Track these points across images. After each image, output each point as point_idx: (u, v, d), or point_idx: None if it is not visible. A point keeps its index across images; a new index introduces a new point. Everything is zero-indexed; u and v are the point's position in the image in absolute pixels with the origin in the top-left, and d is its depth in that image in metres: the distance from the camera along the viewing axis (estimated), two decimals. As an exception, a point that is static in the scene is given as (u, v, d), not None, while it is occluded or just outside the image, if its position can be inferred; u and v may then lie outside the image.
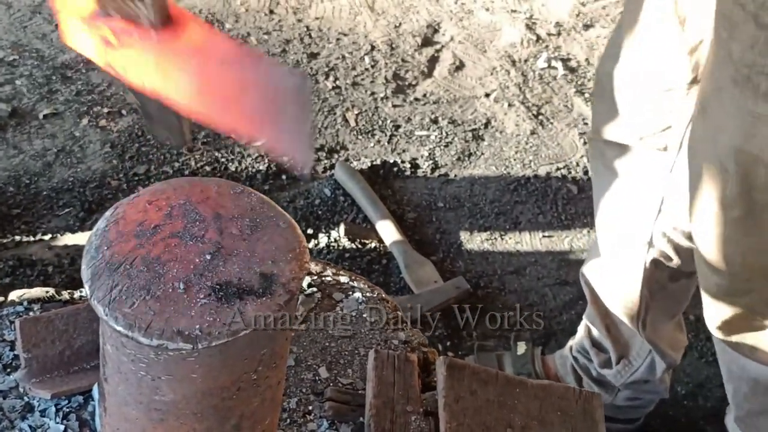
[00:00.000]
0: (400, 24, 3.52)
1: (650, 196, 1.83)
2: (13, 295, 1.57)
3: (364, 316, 1.62)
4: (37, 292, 1.56)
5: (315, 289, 1.63)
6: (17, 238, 2.65)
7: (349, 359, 1.55)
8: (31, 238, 2.65)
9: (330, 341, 1.57)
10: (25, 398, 1.42)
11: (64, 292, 1.56)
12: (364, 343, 1.58)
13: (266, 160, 2.95)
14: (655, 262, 1.94)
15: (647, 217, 1.85)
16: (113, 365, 1.11)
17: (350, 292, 1.65)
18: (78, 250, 2.57)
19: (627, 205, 1.89)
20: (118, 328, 1.02)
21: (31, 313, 1.52)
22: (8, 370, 1.45)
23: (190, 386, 1.08)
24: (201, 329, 1.02)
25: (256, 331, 1.04)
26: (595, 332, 2.23)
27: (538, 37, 3.57)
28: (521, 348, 2.52)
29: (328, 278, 1.67)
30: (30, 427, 1.39)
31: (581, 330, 2.30)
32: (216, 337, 1.02)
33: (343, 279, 1.68)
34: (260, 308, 1.04)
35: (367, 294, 1.66)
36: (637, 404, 2.31)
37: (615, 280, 2.05)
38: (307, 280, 1.64)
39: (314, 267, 1.68)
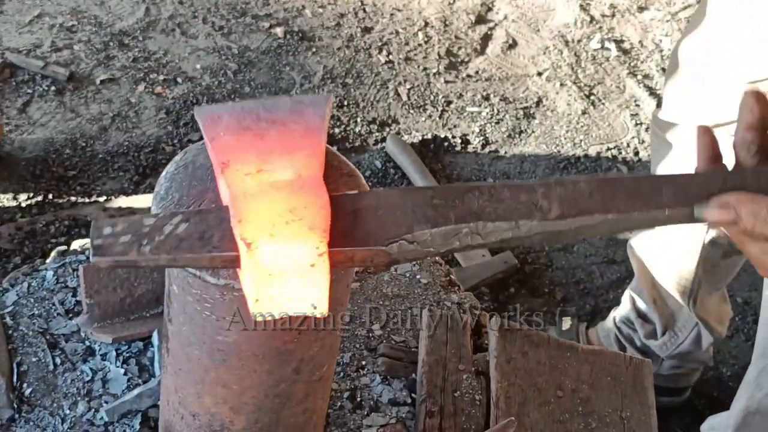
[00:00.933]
0: (454, 1, 3.53)
1: None
2: (76, 245, 1.60)
3: (417, 277, 1.64)
4: (99, 241, 1.59)
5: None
6: (73, 199, 2.70)
7: (402, 318, 1.57)
8: (86, 200, 2.70)
9: (384, 300, 1.59)
10: (86, 342, 1.45)
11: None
12: (417, 303, 1.60)
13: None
14: (712, 242, 1.94)
15: None
16: (178, 306, 1.13)
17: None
18: (132, 212, 2.61)
19: None
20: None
21: (93, 262, 1.55)
22: (70, 315, 1.49)
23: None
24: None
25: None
26: (640, 303, 2.24)
27: (592, 18, 3.56)
28: (566, 323, 2.54)
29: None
30: (91, 369, 1.43)
31: (626, 301, 2.31)
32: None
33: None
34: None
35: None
36: (681, 372, 2.32)
37: (669, 256, 2.06)
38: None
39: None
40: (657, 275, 2.10)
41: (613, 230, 1.04)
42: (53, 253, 1.58)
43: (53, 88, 2.99)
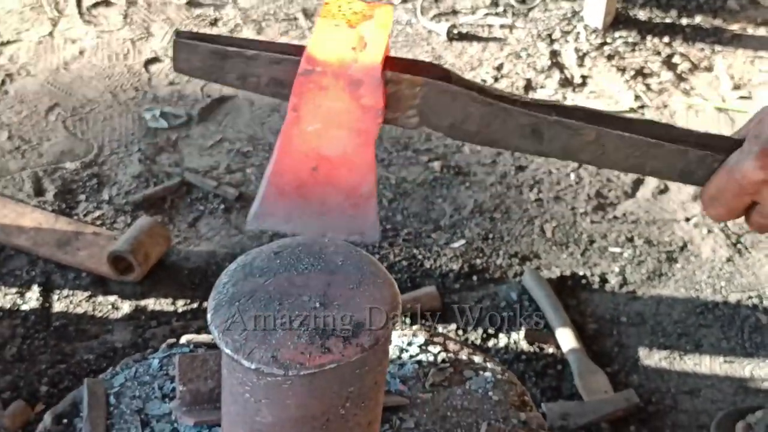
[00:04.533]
0: (610, 145, 3.63)
1: None
2: (184, 339, 1.80)
3: (490, 394, 1.75)
4: (204, 337, 1.79)
5: (448, 364, 1.77)
6: (224, 307, 2.92)
7: (467, 430, 1.67)
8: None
9: (452, 411, 1.70)
10: (174, 424, 1.63)
11: (225, 340, 1.77)
12: (484, 417, 1.70)
13: (460, 261, 3.12)
14: None
15: None
16: (227, 387, 1.30)
17: (481, 371, 1.77)
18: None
19: None
20: (227, 351, 1.21)
21: (193, 353, 1.74)
22: (166, 399, 1.67)
23: (285, 411, 1.24)
24: (294, 359, 1.19)
25: (340, 366, 1.20)
26: None
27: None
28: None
29: (464, 357, 1.80)
30: (173, 448, 1.60)
31: None
32: (305, 367, 1.19)
33: (477, 359, 1.81)
34: (347, 349, 1.20)
35: (498, 375, 1.78)
36: None
37: None
38: (441, 355, 1.79)
39: (452, 345, 1.82)
40: None
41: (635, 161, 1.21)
42: (163, 345, 1.78)
43: (222, 206, 3.27)
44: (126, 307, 2.91)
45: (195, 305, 2.93)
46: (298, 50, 1.16)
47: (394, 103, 1.17)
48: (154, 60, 3.92)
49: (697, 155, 1.20)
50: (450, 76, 1.19)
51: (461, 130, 1.20)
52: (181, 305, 2.93)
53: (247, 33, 4.10)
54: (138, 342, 2.80)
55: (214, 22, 4.15)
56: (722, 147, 1.20)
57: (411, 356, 1.80)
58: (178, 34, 1.18)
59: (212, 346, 1.78)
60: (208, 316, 1.25)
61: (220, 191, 3.31)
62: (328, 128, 1.15)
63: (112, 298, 2.93)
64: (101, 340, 2.82)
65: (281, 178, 1.19)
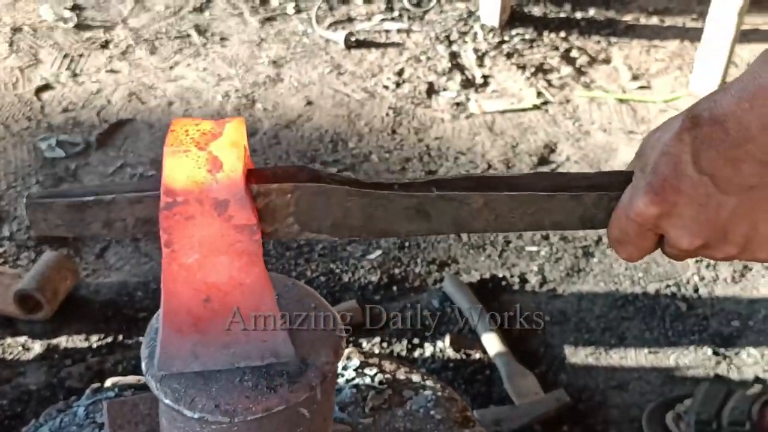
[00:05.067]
0: (517, 144, 3.63)
1: None
2: (109, 382, 1.71)
3: (432, 413, 1.70)
4: (130, 379, 1.71)
5: (386, 385, 1.72)
6: (141, 339, 2.82)
7: (412, 453, 1.63)
8: (154, 340, 2.83)
9: (395, 435, 1.65)
10: (108, 475, 1.55)
11: (153, 380, 1.69)
12: (428, 438, 1.66)
13: (378, 272, 3.07)
14: None
15: None
16: (167, 438, 1.22)
17: (421, 390, 1.73)
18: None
19: None
20: (167, 402, 1.14)
21: (122, 398, 1.65)
22: (96, 449, 1.59)
23: (233, 459, 1.18)
24: (238, 405, 1.12)
25: (288, 408, 1.14)
26: None
27: (655, 158, 3.62)
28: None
29: (401, 377, 1.76)
30: (109, 500, 1.52)
31: None
32: (252, 412, 1.13)
33: (415, 378, 1.76)
34: (294, 388, 1.14)
35: (438, 393, 1.74)
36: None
37: None
38: (378, 377, 1.74)
39: (388, 366, 1.78)
40: None
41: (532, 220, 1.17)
42: (87, 391, 1.69)
43: (130, 234, 3.16)
44: (37, 347, 2.79)
45: (110, 339, 2.82)
46: (154, 184, 1.09)
47: (269, 215, 1.11)
48: (46, 87, 3.79)
49: (591, 199, 1.14)
50: (320, 175, 1.13)
51: (345, 227, 1.14)
52: (95, 340, 2.82)
53: (141, 53, 4.00)
54: (53, 382, 2.69)
55: (105, 45, 4.04)
56: (615, 184, 1.15)
57: (347, 380, 1.75)
58: (29, 197, 1.11)
59: (140, 387, 1.70)
60: (143, 364, 1.18)
61: (126, 219, 3.20)
62: (208, 256, 1.09)
63: (21, 339, 2.81)
64: (14, 384, 2.69)
65: (175, 317, 1.13)
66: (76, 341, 2.82)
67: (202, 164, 1.04)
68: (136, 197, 1.10)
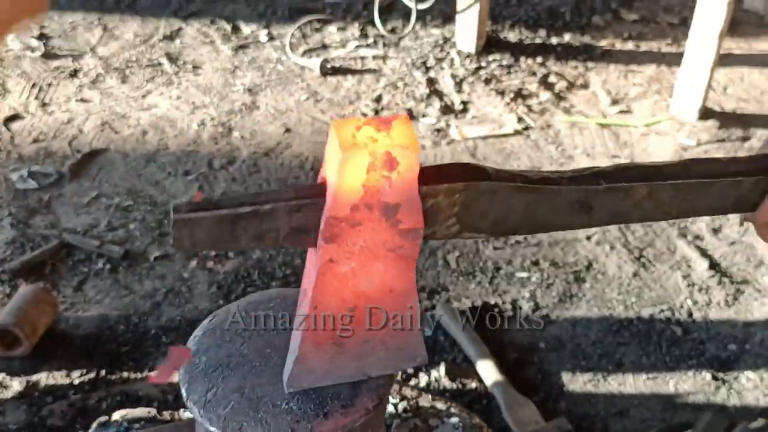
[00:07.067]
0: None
1: None
2: (117, 415, 1.61)
3: (459, 441, 1.62)
4: (140, 411, 1.61)
5: (411, 414, 1.64)
6: (125, 374, 2.72)
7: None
8: (139, 375, 2.71)
9: (424, 465, 1.57)
10: None
11: (165, 412, 1.60)
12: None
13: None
14: None
15: None
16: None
17: (446, 418, 1.65)
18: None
19: None
20: (213, 429, 1.05)
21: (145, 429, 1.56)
22: (108, 486, 1.49)
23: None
24: (289, 430, 1.04)
25: (344, 434, 1.05)
26: None
27: (640, 182, 3.58)
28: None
29: (425, 404, 1.67)
30: None
31: None
32: (306, 439, 1.04)
33: (440, 406, 1.68)
34: (348, 411, 1.06)
35: (465, 420, 1.66)
36: None
37: None
38: (403, 404, 1.65)
39: (409, 392, 1.69)
40: None
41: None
42: (94, 424, 1.59)
43: (108, 266, 3.06)
44: (16, 384, 2.67)
45: (92, 375, 2.70)
46: (313, 191, 1.03)
47: (432, 217, 1.05)
48: (15, 117, 3.68)
49: (750, 182, 1.14)
50: (488, 172, 1.07)
51: (504, 225, 1.09)
52: (76, 376, 2.70)
53: (111, 82, 3.90)
54: (34, 421, 2.56)
55: (74, 74, 3.94)
56: None
57: (368, 409, 1.66)
58: (176, 210, 1.02)
59: (149, 420, 1.60)
60: (183, 390, 1.08)
61: (104, 250, 3.10)
62: (365, 264, 1.02)
63: (-1, 377, 2.69)
64: (-7, 424, 2.57)
65: (318, 330, 1.05)
66: (57, 378, 2.70)
67: (378, 166, 0.97)
68: (295, 206, 1.02)
